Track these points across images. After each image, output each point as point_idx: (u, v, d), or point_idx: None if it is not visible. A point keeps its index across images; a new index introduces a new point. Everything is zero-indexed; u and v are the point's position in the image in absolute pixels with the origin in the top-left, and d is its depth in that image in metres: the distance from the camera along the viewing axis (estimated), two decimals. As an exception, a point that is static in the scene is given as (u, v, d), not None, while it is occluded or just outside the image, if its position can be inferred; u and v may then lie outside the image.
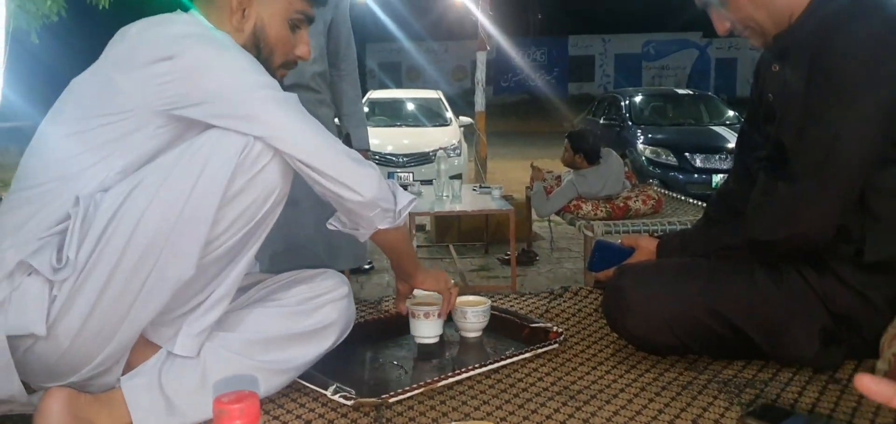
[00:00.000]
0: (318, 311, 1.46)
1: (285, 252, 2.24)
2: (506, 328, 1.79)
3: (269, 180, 1.28)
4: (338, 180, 1.30)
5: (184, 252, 1.22)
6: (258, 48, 1.39)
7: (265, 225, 1.33)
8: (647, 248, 1.79)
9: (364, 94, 10.53)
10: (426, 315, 1.68)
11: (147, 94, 1.23)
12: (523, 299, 2.11)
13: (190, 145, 1.25)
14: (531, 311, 1.97)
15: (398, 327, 1.74)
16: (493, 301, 1.84)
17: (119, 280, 1.21)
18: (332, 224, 1.46)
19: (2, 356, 1.19)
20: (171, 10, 1.39)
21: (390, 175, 7.77)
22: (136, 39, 1.29)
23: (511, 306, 2.00)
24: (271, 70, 1.39)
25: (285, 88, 1.34)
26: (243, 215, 1.27)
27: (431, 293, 1.68)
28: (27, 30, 7.88)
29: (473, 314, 1.71)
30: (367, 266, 4.79)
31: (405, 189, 1.55)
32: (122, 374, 1.31)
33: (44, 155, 1.29)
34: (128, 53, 1.28)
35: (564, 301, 2.07)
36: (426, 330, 1.69)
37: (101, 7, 8.08)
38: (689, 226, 3.60)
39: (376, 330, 1.80)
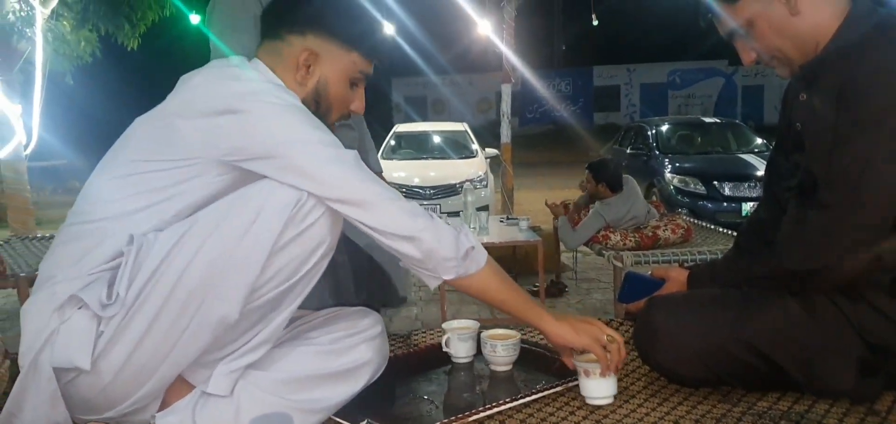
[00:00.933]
0: (352, 350, 1.46)
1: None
2: (536, 361, 1.78)
3: (318, 233, 1.31)
4: (393, 233, 1.33)
5: (230, 296, 1.25)
6: (318, 103, 1.43)
7: (311, 277, 1.35)
8: (677, 279, 1.78)
9: (390, 127, 10.63)
10: (586, 373, 1.49)
11: (209, 143, 1.28)
12: (553, 331, 2.10)
13: (245, 192, 1.28)
14: (561, 344, 1.96)
15: (428, 361, 1.75)
16: (522, 334, 1.84)
17: (165, 319, 1.23)
18: (404, 264, 1.45)
19: (48, 386, 1.23)
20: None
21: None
22: (202, 89, 1.33)
23: (541, 338, 1.99)
24: (327, 123, 1.43)
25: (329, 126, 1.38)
26: (290, 264, 1.29)
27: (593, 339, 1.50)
28: (62, 72, 8.08)
29: (504, 348, 1.71)
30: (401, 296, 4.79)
31: None
32: (158, 411, 1.33)
33: (101, 192, 1.33)
34: (192, 101, 1.32)
35: (594, 333, 2.05)
36: (595, 391, 1.50)
37: (129, 48, 8.27)
38: (720, 256, 3.56)
39: (407, 365, 1.80)
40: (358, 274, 2.14)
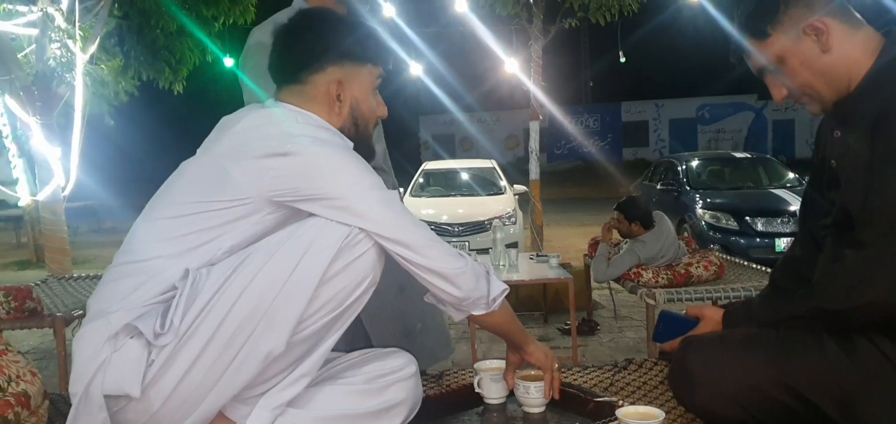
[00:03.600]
0: (386, 390, 1.48)
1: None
2: (570, 402, 1.77)
3: (364, 265, 1.36)
4: (437, 272, 1.40)
5: (278, 328, 1.29)
6: (356, 124, 1.52)
7: (353, 309, 1.40)
8: (712, 318, 1.76)
9: (418, 165, 10.70)
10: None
11: (262, 184, 1.33)
12: (587, 372, 2.09)
13: (296, 228, 1.34)
14: (595, 384, 1.95)
15: (461, 402, 1.74)
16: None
17: (214, 349, 1.27)
18: (429, 298, 1.51)
19: (99, 414, 1.26)
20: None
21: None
22: (251, 133, 1.39)
23: (574, 379, 1.98)
24: (369, 137, 1.54)
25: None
26: (337, 296, 1.34)
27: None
28: (101, 113, 8.28)
29: (536, 390, 1.70)
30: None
31: None
32: None
33: (150, 233, 1.38)
34: (241, 145, 1.38)
35: (629, 374, 2.04)
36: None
37: (176, 92, 8.46)
38: (754, 293, 3.52)
39: (439, 406, 1.80)
40: (407, 329, 2.15)
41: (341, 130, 1.49)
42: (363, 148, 1.51)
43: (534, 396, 1.70)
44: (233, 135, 1.41)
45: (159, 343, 1.26)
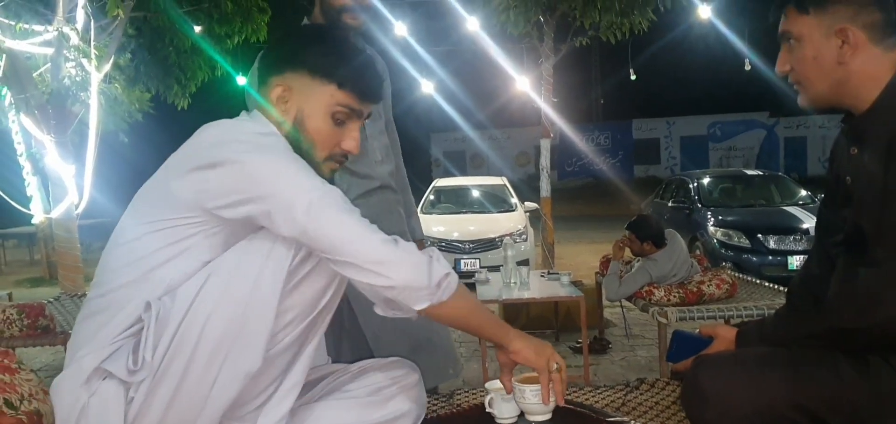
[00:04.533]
0: (390, 401, 1.47)
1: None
2: (582, 422, 1.76)
3: (328, 269, 1.33)
4: (362, 267, 1.29)
5: (252, 344, 1.27)
6: (299, 140, 1.42)
7: (328, 309, 1.37)
8: (726, 337, 1.75)
9: (429, 182, 10.72)
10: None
11: (198, 197, 1.30)
12: (598, 391, 2.08)
13: (251, 241, 1.31)
14: (607, 404, 1.94)
15: (471, 422, 1.73)
16: (567, 394, 1.81)
17: (193, 375, 1.26)
18: (378, 309, 1.41)
19: None
20: (243, 105, 1.48)
21: (457, 262, 7.82)
22: (190, 145, 1.37)
23: (586, 398, 1.97)
24: (315, 161, 1.42)
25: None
26: (307, 302, 1.33)
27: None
28: (114, 130, 8.34)
29: (532, 394, 1.59)
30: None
31: (471, 277, 1.53)
32: None
33: (110, 262, 1.36)
34: (181, 159, 1.36)
35: (641, 394, 2.03)
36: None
37: (180, 108, 8.53)
38: (767, 311, 3.50)
39: (450, 424, 1.79)
40: (413, 347, 2.13)
41: (287, 140, 1.42)
42: None
43: (530, 401, 1.59)
44: (180, 150, 1.39)
45: (135, 380, 1.25)
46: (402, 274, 1.30)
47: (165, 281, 1.31)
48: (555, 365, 1.51)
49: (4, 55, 6.33)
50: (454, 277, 1.38)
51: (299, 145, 1.41)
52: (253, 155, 1.30)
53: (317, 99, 1.41)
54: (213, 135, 1.37)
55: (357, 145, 1.46)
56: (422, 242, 2.44)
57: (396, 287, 1.31)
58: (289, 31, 1.45)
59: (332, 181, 1.42)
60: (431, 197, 9.93)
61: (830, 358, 1.49)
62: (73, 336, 1.36)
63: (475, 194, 10.17)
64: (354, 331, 2.12)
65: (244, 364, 1.27)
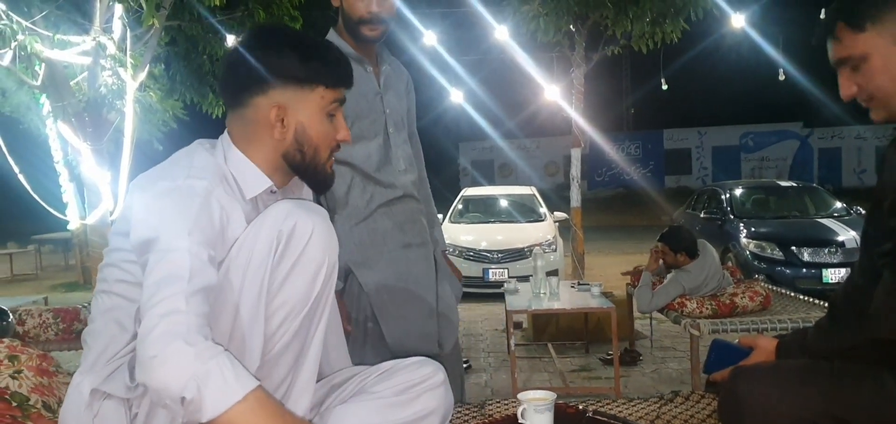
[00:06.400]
0: (416, 401, 1.46)
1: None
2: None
3: (314, 255, 1.31)
4: (140, 346, 1.14)
5: (247, 348, 1.26)
6: (302, 151, 1.41)
7: (324, 299, 1.35)
8: (765, 348, 1.72)
9: (457, 191, 10.71)
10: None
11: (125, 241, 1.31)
12: (632, 403, 2.05)
13: (233, 249, 1.29)
14: (641, 417, 1.91)
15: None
16: (598, 405, 1.80)
17: None
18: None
19: None
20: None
21: (485, 272, 7.81)
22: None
23: (620, 411, 1.94)
24: (321, 165, 1.42)
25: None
26: (298, 297, 1.30)
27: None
28: (148, 139, 8.48)
29: (535, 410, 1.62)
30: (464, 365, 4.73)
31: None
32: None
33: (111, 274, 1.36)
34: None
35: (676, 406, 1.99)
36: None
37: (214, 116, 8.65)
38: (802, 324, 3.43)
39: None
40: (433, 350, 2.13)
41: (285, 157, 1.40)
42: (314, 176, 1.45)
43: (532, 419, 1.63)
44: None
45: (136, 395, 1.25)
46: (161, 379, 1.12)
47: None
48: None
49: (43, 64, 6.46)
50: (235, 402, 1.13)
51: (303, 156, 1.41)
52: (143, 197, 1.31)
53: (312, 106, 1.40)
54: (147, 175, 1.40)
55: (348, 133, 1.48)
56: (444, 252, 2.43)
57: (154, 391, 1.14)
58: (250, 46, 1.39)
59: (333, 176, 1.46)
60: (459, 206, 9.92)
61: (874, 372, 1.45)
62: (82, 362, 1.35)
63: (504, 203, 10.14)
64: (377, 339, 2.12)
65: None
